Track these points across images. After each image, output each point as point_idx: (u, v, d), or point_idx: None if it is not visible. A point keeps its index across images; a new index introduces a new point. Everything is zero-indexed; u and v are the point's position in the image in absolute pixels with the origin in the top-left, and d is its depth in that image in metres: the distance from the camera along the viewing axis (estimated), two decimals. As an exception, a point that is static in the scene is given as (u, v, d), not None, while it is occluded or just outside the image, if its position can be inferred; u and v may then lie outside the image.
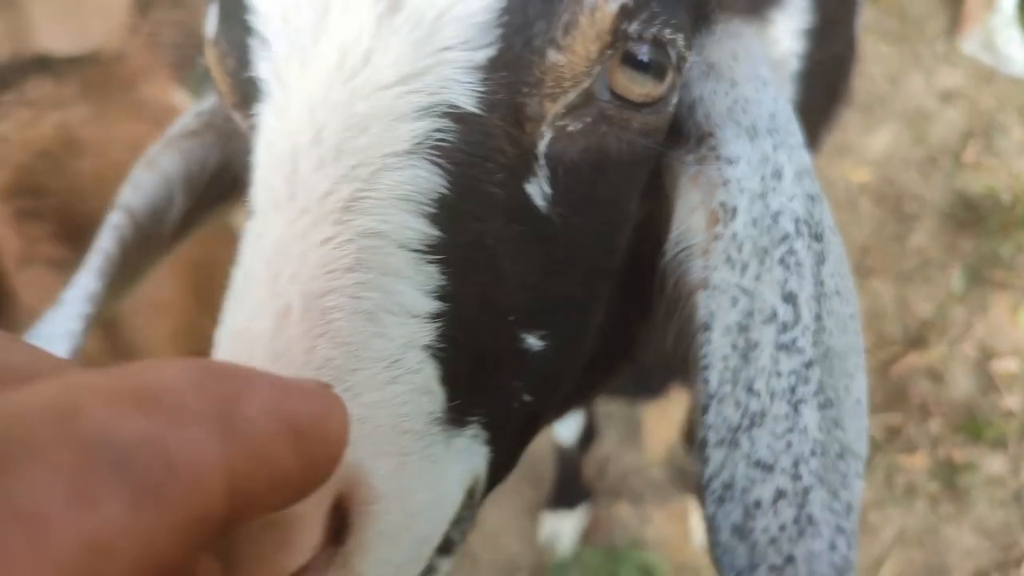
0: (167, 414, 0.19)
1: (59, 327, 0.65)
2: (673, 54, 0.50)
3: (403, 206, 0.43)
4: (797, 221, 0.55)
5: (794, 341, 0.53)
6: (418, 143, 0.44)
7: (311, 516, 0.34)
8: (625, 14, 0.47)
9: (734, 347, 0.53)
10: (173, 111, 1.24)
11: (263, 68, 0.47)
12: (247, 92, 0.49)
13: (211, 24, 0.52)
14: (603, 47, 0.47)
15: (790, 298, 0.54)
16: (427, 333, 0.43)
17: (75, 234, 1.10)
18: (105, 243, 0.65)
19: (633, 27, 0.47)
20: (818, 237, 0.57)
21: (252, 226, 0.45)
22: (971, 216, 2.31)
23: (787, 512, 0.52)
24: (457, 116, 0.45)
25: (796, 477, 0.52)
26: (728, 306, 0.53)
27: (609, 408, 2.18)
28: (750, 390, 0.53)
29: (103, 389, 0.19)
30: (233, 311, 0.43)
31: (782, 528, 0.52)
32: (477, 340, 0.46)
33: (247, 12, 0.48)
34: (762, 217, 0.55)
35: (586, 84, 0.48)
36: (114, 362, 0.92)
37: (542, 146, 0.48)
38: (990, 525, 1.96)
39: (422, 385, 0.43)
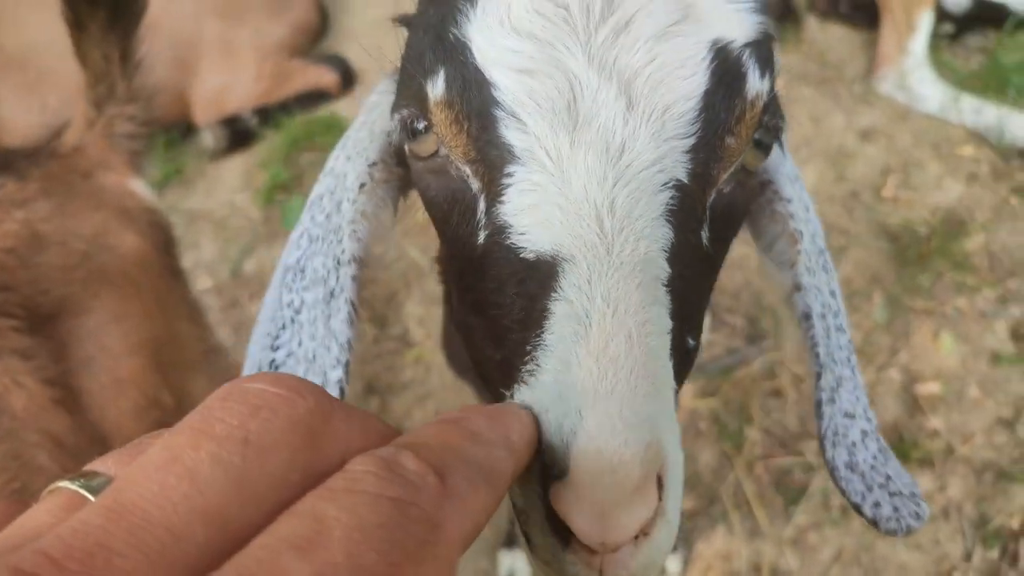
0: (486, 443, 0.30)
1: (329, 377, 0.73)
2: (775, 136, 0.69)
3: (663, 256, 0.57)
4: (820, 243, 0.80)
5: (840, 324, 0.77)
6: (663, 209, 0.58)
7: (653, 482, 0.48)
8: (765, 109, 0.64)
9: (824, 330, 0.75)
10: (131, 197, 1.30)
11: (517, 138, 0.58)
12: (490, 153, 0.60)
13: (438, 87, 0.61)
14: (753, 132, 0.63)
15: (833, 293, 0.78)
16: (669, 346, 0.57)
17: (39, 324, 1.15)
18: (349, 293, 0.73)
19: (767, 118, 0.65)
20: (822, 251, 0.82)
21: (572, 271, 0.54)
22: (892, 248, 2.46)
23: (872, 445, 0.76)
24: (679, 187, 0.59)
25: (868, 419, 0.77)
26: (815, 301, 0.76)
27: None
28: (834, 360, 0.75)
29: (459, 432, 0.30)
30: (585, 336, 0.52)
31: (874, 457, 0.75)
32: (678, 347, 0.59)
33: (490, 87, 0.59)
34: (811, 237, 0.78)
35: (740, 159, 0.64)
36: (82, 439, 0.98)
37: (709, 202, 0.63)
38: (922, 541, 2.08)
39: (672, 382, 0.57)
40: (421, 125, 0.64)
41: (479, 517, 0.28)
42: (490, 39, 0.59)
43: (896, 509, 0.75)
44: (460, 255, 0.65)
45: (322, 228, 0.75)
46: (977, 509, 2.14)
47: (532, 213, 0.57)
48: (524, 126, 0.58)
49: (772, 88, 0.66)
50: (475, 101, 0.60)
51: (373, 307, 2.49)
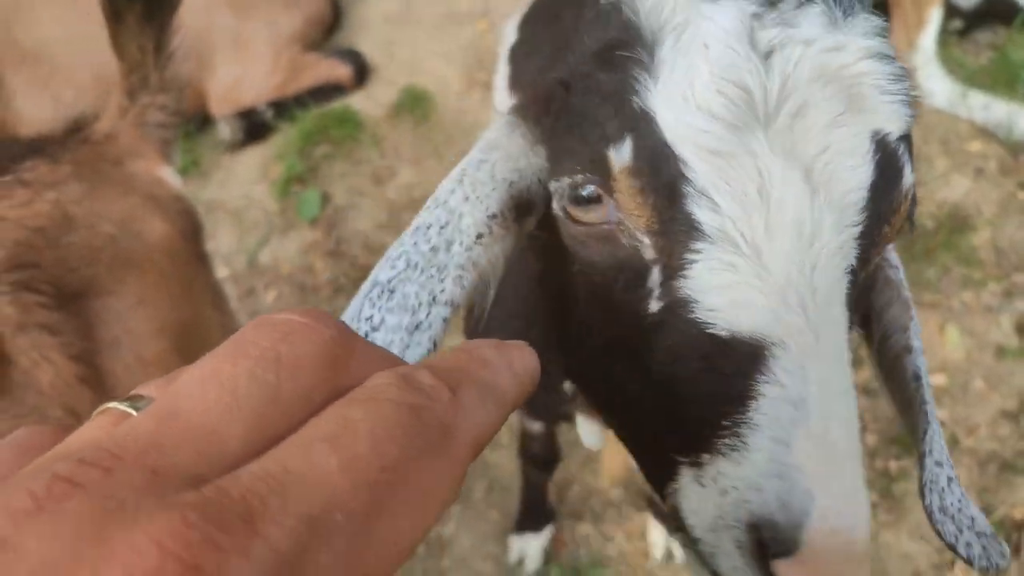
0: (494, 369, 0.33)
1: None
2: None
3: (846, 339, 0.62)
4: None
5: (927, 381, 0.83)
6: (845, 295, 0.62)
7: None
8: (912, 201, 0.68)
9: (928, 388, 0.81)
10: (160, 184, 1.34)
11: (708, 217, 0.60)
12: (675, 227, 0.62)
13: (624, 155, 0.63)
14: (903, 222, 0.68)
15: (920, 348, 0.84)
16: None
17: (65, 301, 1.19)
18: (435, 332, 0.74)
19: (911, 208, 0.69)
20: None
21: (783, 356, 0.57)
22: (899, 242, 2.48)
23: (957, 490, 0.82)
24: (851, 272, 0.63)
25: (951, 466, 0.82)
26: (921, 363, 0.81)
27: (570, 436, 2.30)
28: (930, 415, 0.80)
29: (470, 357, 0.34)
30: (804, 420, 0.56)
31: (959, 500, 0.81)
32: None
33: (679, 163, 0.61)
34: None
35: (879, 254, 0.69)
36: None
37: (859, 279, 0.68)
38: (925, 531, 2.12)
39: None
40: (591, 192, 0.66)
41: (485, 431, 0.31)
42: (677, 115, 0.61)
43: (984, 548, 0.82)
44: (618, 319, 0.67)
45: (424, 259, 0.74)
46: (981, 500, 2.17)
47: (726, 293, 0.60)
48: (716, 206, 0.60)
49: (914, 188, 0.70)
50: (664, 175, 0.62)
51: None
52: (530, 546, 2.10)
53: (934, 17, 2.72)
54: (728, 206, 0.60)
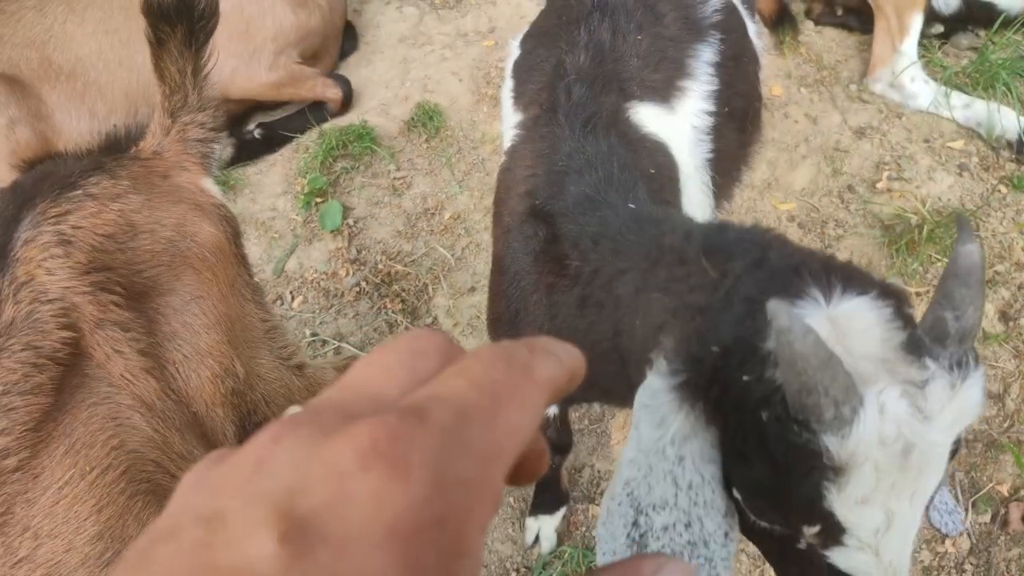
0: (554, 346, 0.43)
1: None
2: None
3: None
4: None
5: None
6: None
7: None
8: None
9: None
10: (204, 193, 1.52)
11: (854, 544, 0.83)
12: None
13: (812, 532, 0.84)
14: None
15: None
16: None
17: (134, 301, 1.37)
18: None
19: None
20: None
21: None
22: (886, 236, 2.63)
23: None
24: None
25: None
26: None
27: (582, 425, 2.46)
28: None
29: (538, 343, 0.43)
30: None
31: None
32: None
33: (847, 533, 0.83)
34: None
35: None
36: (168, 404, 1.22)
37: None
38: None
39: None
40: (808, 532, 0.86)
41: (555, 377, 0.40)
42: (851, 511, 0.81)
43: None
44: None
45: (686, 550, 0.91)
46: (969, 477, 2.31)
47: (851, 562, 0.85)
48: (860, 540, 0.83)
49: None
50: (828, 536, 0.85)
51: (404, 300, 2.71)
52: (545, 527, 2.24)
53: (915, 23, 2.88)
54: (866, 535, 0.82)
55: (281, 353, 1.70)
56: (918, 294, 2.52)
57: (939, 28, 3.08)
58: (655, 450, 0.90)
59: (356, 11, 3.70)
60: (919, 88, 2.90)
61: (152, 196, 1.43)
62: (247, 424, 1.54)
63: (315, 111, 3.22)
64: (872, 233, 2.65)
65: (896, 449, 0.78)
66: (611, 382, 1.25)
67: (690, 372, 0.90)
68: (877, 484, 0.78)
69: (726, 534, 0.90)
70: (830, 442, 0.77)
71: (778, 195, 2.81)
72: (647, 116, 1.54)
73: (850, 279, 0.89)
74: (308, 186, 2.99)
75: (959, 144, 2.85)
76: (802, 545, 0.87)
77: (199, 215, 1.47)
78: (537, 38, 1.75)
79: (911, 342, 0.81)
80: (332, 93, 3.21)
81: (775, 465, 0.82)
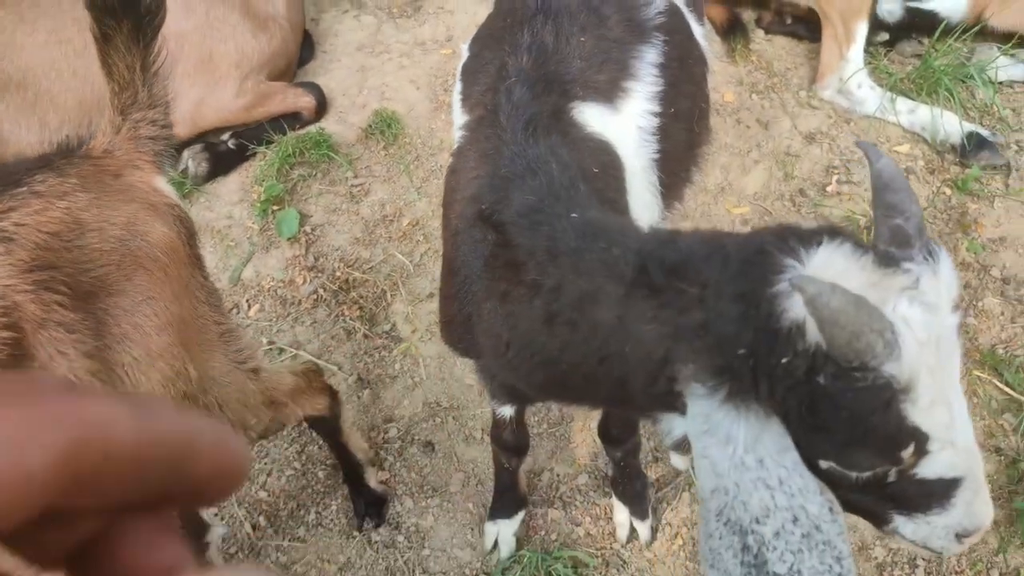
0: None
1: None
2: None
3: None
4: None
5: None
6: None
7: None
8: None
9: None
10: (157, 193, 1.50)
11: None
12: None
13: (908, 452, 0.91)
14: None
15: None
16: None
17: (81, 301, 1.34)
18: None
19: None
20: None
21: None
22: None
23: None
24: None
25: None
26: None
27: (540, 429, 2.46)
28: None
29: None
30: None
31: None
32: None
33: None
34: None
35: None
36: None
37: None
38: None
39: None
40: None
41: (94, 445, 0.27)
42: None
43: None
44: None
45: (804, 545, 0.93)
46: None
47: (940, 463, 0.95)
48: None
49: None
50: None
51: (362, 307, 2.69)
52: (504, 532, 2.23)
53: (861, 31, 2.96)
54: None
55: (236, 356, 1.68)
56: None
57: (884, 36, 3.18)
58: (734, 466, 0.94)
59: (313, 20, 3.69)
60: (866, 94, 2.98)
61: (102, 194, 1.41)
62: (199, 427, 1.51)
63: (289, 119, 3.20)
64: (823, 235, 2.71)
65: (932, 346, 0.87)
66: (582, 390, 1.28)
67: (729, 382, 0.95)
68: (934, 382, 0.87)
69: (830, 509, 0.94)
70: (892, 368, 0.85)
71: (731, 199, 2.86)
72: (591, 116, 1.55)
73: (802, 237, 0.96)
74: (265, 194, 2.96)
75: (905, 148, 2.93)
76: (892, 477, 0.93)
77: (151, 214, 1.45)
78: (484, 40, 1.76)
79: (882, 258, 0.91)
80: (304, 102, 3.20)
81: (853, 416, 0.88)
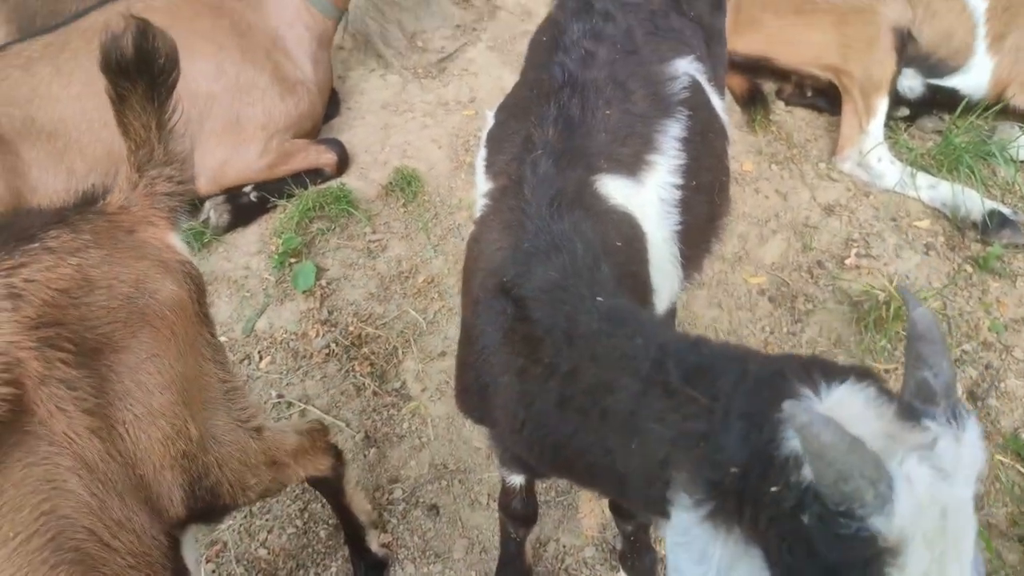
0: None
1: None
2: None
3: None
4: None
5: None
6: None
7: None
8: None
9: None
10: (169, 250, 1.51)
11: None
12: None
13: None
14: None
15: None
16: None
17: (85, 357, 1.34)
18: None
19: None
20: None
21: None
22: (854, 313, 2.66)
23: None
24: None
25: None
26: None
27: (547, 496, 2.41)
28: None
29: None
30: None
31: None
32: None
33: None
34: None
35: None
36: (112, 466, 1.18)
37: None
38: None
39: None
40: None
41: None
42: None
43: None
44: None
45: None
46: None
47: None
48: None
49: None
50: None
51: (373, 363, 2.68)
52: None
53: (881, 105, 2.97)
54: None
55: (240, 415, 1.66)
56: (887, 371, 2.53)
57: (905, 111, 3.19)
58: None
59: (340, 77, 3.77)
60: (886, 168, 2.98)
61: (114, 251, 1.42)
62: (196, 488, 1.49)
63: (311, 174, 3.25)
64: (841, 309, 2.67)
65: (935, 514, 0.80)
66: (589, 476, 1.26)
67: (716, 499, 0.92)
68: (931, 555, 0.79)
69: None
70: (879, 523, 0.78)
71: (749, 269, 2.84)
72: (614, 189, 1.56)
73: (828, 371, 0.92)
74: (283, 246, 2.99)
75: (925, 223, 2.91)
76: None
77: (162, 272, 1.46)
78: (510, 110, 1.78)
79: (904, 410, 0.86)
80: (326, 158, 3.26)
81: (829, 567, 0.82)
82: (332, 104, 3.57)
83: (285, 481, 1.85)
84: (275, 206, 3.16)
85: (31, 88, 2.83)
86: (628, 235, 1.54)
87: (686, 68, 1.76)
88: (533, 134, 1.57)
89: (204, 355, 1.55)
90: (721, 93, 2.00)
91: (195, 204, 3.13)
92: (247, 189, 3.17)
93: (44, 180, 2.81)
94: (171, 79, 1.47)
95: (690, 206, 1.69)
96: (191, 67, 2.98)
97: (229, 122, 3.06)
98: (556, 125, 1.57)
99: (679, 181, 1.65)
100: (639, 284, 1.57)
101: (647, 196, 1.61)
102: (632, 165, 1.60)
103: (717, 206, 1.86)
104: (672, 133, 1.66)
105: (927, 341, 0.89)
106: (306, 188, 3.19)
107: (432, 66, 3.77)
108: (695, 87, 1.76)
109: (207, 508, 1.55)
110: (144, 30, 1.43)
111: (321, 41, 3.26)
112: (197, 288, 1.53)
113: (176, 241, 1.53)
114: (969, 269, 2.77)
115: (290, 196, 3.17)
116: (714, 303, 2.76)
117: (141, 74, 1.43)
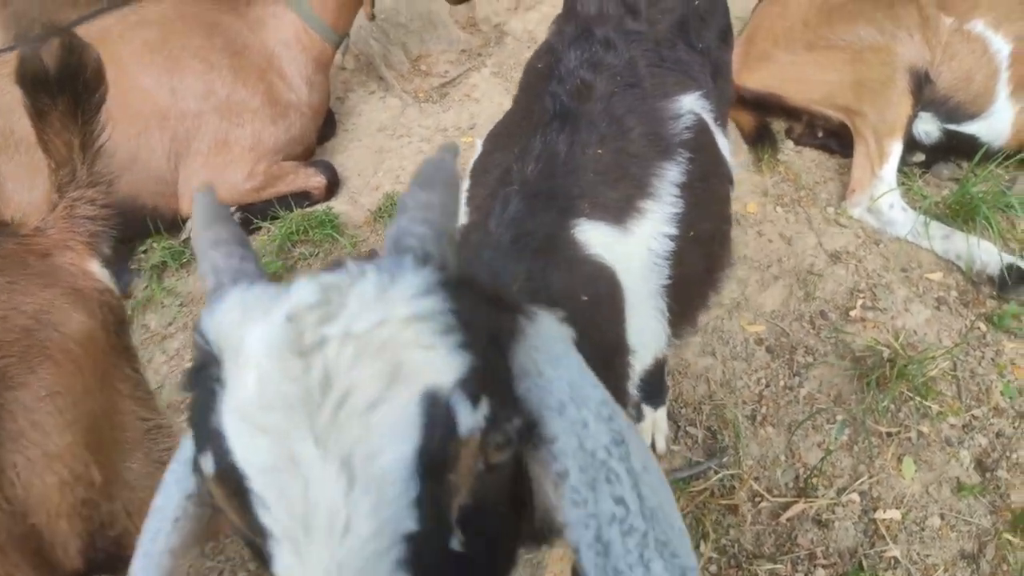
0: None
1: None
2: (513, 430, 0.75)
3: None
4: (607, 447, 0.79)
5: (631, 525, 0.77)
6: (397, 563, 0.63)
7: None
8: (487, 433, 0.70)
9: (597, 553, 0.75)
10: (86, 277, 1.40)
11: (270, 522, 0.65)
12: (255, 528, 0.66)
13: (209, 466, 0.69)
14: (476, 461, 0.70)
15: (620, 500, 0.77)
16: None
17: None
18: None
19: (494, 438, 0.71)
20: (620, 442, 0.80)
21: None
22: (856, 369, 2.48)
23: None
24: (411, 536, 0.64)
25: None
26: (584, 530, 0.76)
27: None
28: (617, 570, 0.75)
29: None
30: None
31: None
32: None
33: (244, 478, 0.66)
34: (586, 462, 0.78)
35: (473, 478, 0.71)
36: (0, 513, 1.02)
37: (455, 518, 0.70)
38: (879, 674, 2.02)
39: None
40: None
41: None
42: (235, 434, 0.66)
43: None
44: None
45: None
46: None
47: None
48: (272, 514, 0.65)
49: (492, 412, 0.71)
50: (236, 485, 0.67)
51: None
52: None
53: (895, 149, 2.81)
54: (280, 514, 0.64)
55: (162, 456, 1.53)
56: (888, 434, 2.35)
57: (920, 157, 3.02)
58: None
59: (339, 98, 3.69)
60: (897, 215, 2.81)
61: (18, 277, 1.31)
62: (98, 538, 1.36)
63: (298, 197, 3.15)
64: (842, 364, 2.50)
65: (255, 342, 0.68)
66: None
67: None
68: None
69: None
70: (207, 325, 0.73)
71: (747, 316, 2.68)
72: (595, 236, 1.40)
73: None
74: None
75: (938, 276, 2.73)
76: None
77: (72, 301, 1.34)
78: (497, 139, 1.66)
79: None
80: (315, 182, 3.16)
81: None
82: (328, 125, 3.48)
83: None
84: (258, 228, 3.06)
85: (15, 97, 2.76)
86: (600, 291, 1.39)
87: (691, 105, 1.62)
88: (512, 168, 1.44)
89: (120, 391, 1.43)
90: (725, 130, 1.86)
91: (178, 223, 3.05)
92: (232, 210, 3.08)
93: (18, 193, 2.74)
94: (97, 96, 1.37)
95: (685, 258, 1.54)
96: (181, 84, 2.92)
97: (217, 142, 2.98)
98: (538, 161, 1.44)
99: (673, 231, 1.50)
100: (608, 343, 1.42)
101: (634, 247, 1.46)
102: (620, 211, 1.46)
103: (716, 258, 1.71)
104: (670, 177, 1.51)
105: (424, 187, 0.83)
106: (291, 211, 3.09)
107: (434, 90, 3.68)
108: (700, 127, 1.61)
109: (112, 559, 1.42)
110: (68, 43, 1.33)
111: (318, 64, 3.18)
112: (116, 318, 1.42)
113: (96, 267, 1.42)
114: (983, 327, 2.58)
115: (274, 218, 3.07)
116: (708, 351, 2.60)
117: (63, 89, 1.33)
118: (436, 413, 0.66)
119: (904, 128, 2.79)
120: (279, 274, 2.91)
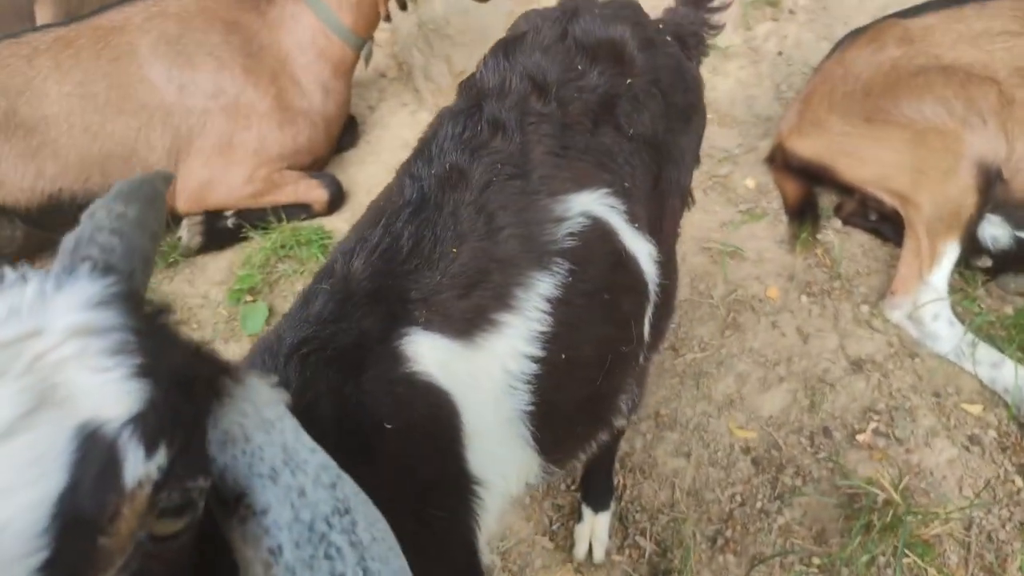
0: None
1: None
2: (197, 491, 0.65)
3: None
4: (327, 518, 0.70)
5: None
6: None
7: None
8: (161, 488, 0.59)
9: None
10: None
11: None
12: None
13: None
14: (140, 524, 0.59)
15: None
16: None
17: None
18: None
19: (169, 495, 0.60)
20: (343, 511, 0.71)
21: None
22: (844, 508, 2.12)
23: None
24: None
25: None
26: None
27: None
28: None
29: None
30: None
31: None
32: None
33: None
34: (302, 536, 0.68)
35: (131, 550, 0.58)
36: None
37: None
38: None
39: None
40: None
41: None
42: None
43: None
44: None
45: None
46: None
47: None
48: None
49: (171, 464, 0.60)
50: None
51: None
52: None
53: (949, 252, 2.39)
54: None
55: None
56: (866, 592, 1.99)
57: (987, 262, 2.56)
58: None
59: (371, 107, 3.56)
60: (942, 329, 2.39)
61: None
62: None
63: (298, 208, 3.05)
64: (830, 502, 2.14)
65: None
66: None
67: None
68: None
69: None
70: None
71: (739, 417, 2.35)
72: (428, 350, 1.21)
73: None
74: (238, 283, 2.78)
75: (976, 409, 2.30)
76: None
77: None
78: (365, 214, 1.46)
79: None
80: (316, 195, 3.04)
81: None
82: (349, 134, 3.35)
83: None
84: (247, 237, 2.97)
85: (26, 80, 2.77)
86: (417, 416, 1.17)
87: (587, 206, 1.37)
88: (337, 262, 1.26)
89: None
90: (661, 236, 1.58)
91: (170, 222, 2.99)
92: (228, 214, 3.00)
93: (11, 177, 2.74)
94: None
95: (555, 383, 1.32)
96: (190, 80, 2.84)
97: (220, 143, 2.90)
98: (372, 254, 1.25)
99: (538, 352, 1.28)
100: (429, 475, 1.20)
101: (482, 365, 1.26)
102: (468, 323, 1.25)
103: (606, 388, 1.46)
104: (539, 290, 1.30)
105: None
106: (281, 222, 2.97)
107: (470, 109, 3.48)
108: (593, 232, 1.36)
109: None
110: None
111: (337, 70, 3.04)
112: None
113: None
114: (1017, 482, 2.15)
115: (264, 228, 2.97)
116: (683, 451, 2.29)
117: None
118: (94, 452, 0.55)
119: (963, 229, 2.37)
120: (258, 287, 2.80)
